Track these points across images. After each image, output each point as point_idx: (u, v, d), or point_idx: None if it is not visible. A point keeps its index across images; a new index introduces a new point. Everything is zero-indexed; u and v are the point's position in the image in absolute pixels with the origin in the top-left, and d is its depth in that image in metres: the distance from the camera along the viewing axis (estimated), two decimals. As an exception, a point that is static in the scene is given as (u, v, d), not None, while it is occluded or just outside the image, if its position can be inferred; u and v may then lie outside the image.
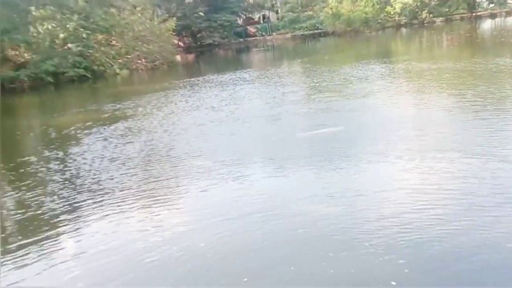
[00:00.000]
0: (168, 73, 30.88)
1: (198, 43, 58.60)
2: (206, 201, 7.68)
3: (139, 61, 34.00)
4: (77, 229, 7.10)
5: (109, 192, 8.47)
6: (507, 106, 11.61)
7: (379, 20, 53.45)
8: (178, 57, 39.91)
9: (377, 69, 21.34)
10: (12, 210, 8.25)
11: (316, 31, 57.61)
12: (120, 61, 32.69)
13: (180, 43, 53.08)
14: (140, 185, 8.75)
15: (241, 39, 60.46)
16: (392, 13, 53.48)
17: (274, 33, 62.01)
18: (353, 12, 52.61)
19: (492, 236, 5.65)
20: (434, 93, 14.35)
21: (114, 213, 7.52)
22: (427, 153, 8.65)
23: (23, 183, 9.59)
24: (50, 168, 10.48)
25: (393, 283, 4.99)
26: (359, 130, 11.16)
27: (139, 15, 35.77)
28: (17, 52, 30.68)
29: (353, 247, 5.72)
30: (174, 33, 40.43)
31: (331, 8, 54.08)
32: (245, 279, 5.28)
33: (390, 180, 7.75)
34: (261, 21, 65.94)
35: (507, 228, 5.79)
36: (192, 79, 25.12)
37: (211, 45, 57.25)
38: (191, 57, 42.71)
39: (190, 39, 58.95)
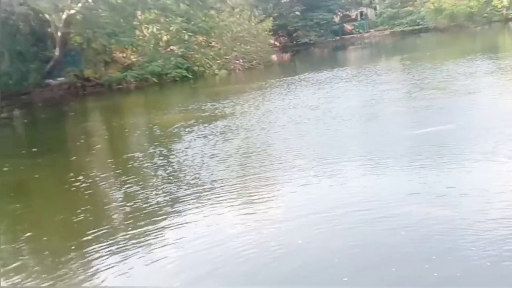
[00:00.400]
0: (265, 73, 31.25)
1: (294, 42, 58.67)
2: (304, 198, 7.66)
3: (237, 62, 34.72)
4: (178, 222, 7.38)
5: (209, 187, 8.72)
6: None
7: (485, 14, 50.28)
8: (274, 57, 40.25)
9: (483, 65, 20.12)
10: (119, 202, 8.76)
11: (416, 27, 55.39)
12: (219, 61, 33.59)
13: (276, 42, 53.46)
14: (238, 181, 8.93)
15: (338, 37, 59.64)
16: (499, 6, 50.10)
17: (371, 30, 60.51)
18: (456, 7, 49.92)
19: None
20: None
21: (213, 207, 7.73)
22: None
23: (130, 177, 10.14)
24: (154, 163, 11.00)
25: (505, 290, 4.67)
26: (464, 129, 10.57)
27: (237, 16, 36.57)
28: (124, 55, 32.61)
29: (458, 249, 5.42)
30: (270, 33, 40.86)
31: (433, 3, 51.71)
32: (345, 279, 5.19)
33: (498, 180, 7.26)
34: (359, 18, 64.59)
35: None
36: (288, 78, 25.21)
37: (307, 43, 57.08)
38: (287, 56, 42.91)
39: (286, 38, 59.19)
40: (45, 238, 7.44)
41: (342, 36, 60.07)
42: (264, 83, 24.05)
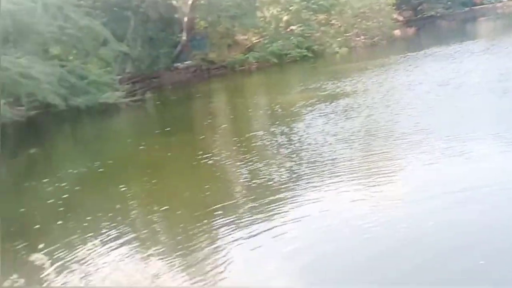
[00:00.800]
0: (388, 49, 30.16)
1: (419, 15, 55.72)
2: (432, 177, 7.36)
3: (358, 39, 33.84)
4: (301, 199, 7.46)
5: (331, 165, 8.71)
6: None
7: None
8: (398, 32, 38.50)
9: None
10: (244, 178, 9.09)
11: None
12: (339, 39, 32.97)
13: (399, 17, 51.15)
14: (362, 160, 8.80)
15: (467, 8, 55.50)
16: None
17: (504, 0, 55.50)
18: None
19: None
20: None
21: (336, 185, 7.71)
22: None
23: (253, 155, 10.47)
24: (276, 142, 11.21)
25: None
26: None
27: (359, -9, 35.56)
28: (246, 37, 33.32)
29: None
30: (393, 7, 39.17)
31: None
32: (481, 262, 4.91)
33: None
34: (491, -13, 59.56)
35: None
36: (413, 53, 24.11)
37: (433, 17, 53.86)
38: (411, 31, 40.82)
39: (410, 12, 56.39)
40: (177, 211, 7.96)
41: (472, 7, 55.80)
42: (387, 60, 23.23)
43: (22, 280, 3.25)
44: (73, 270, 4.19)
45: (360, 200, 6.91)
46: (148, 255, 5.66)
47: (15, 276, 3.33)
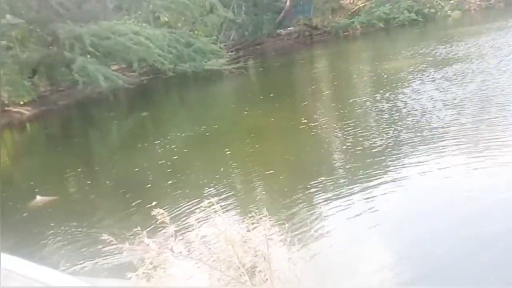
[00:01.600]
0: (506, 11, 27.82)
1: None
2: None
3: (473, 1, 31.55)
4: (399, 166, 7.25)
5: (440, 133, 8.36)
6: None
7: None
8: (519, -7, 35.36)
9: None
10: (345, 144, 9.00)
11: None
12: (452, 1, 30.98)
13: (521, -24, 46.86)
14: (470, 126, 8.33)
15: None
16: None
17: None
18: None
19: None
20: None
21: (441, 153, 7.39)
22: None
23: (356, 121, 10.32)
24: (381, 108, 10.91)
25: None
26: None
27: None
28: (351, 1, 32.37)
29: None
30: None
31: None
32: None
33: None
34: None
35: None
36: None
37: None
38: (535, -9, 37.26)
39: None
40: (279, 176, 8.07)
41: None
42: (505, 23, 21.48)
43: (143, 233, 3.50)
44: (190, 226, 4.42)
45: (472, 171, 6.58)
46: (255, 218, 5.85)
47: (136, 228, 3.60)
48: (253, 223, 3.63)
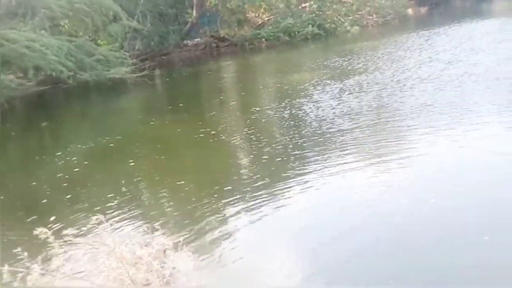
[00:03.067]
0: (400, 28, 29.74)
1: (433, -6, 54.85)
2: (436, 159, 7.27)
3: (370, 17, 33.38)
4: (303, 174, 7.41)
5: (335, 140, 8.69)
6: None
7: None
8: (410, 11, 37.92)
9: None
10: (251, 153, 9.10)
11: None
12: (351, 18, 32.59)
13: (412, -4, 50.43)
14: (366, 139, 8.70)
15: (483, -13, 54.59)
16: None
17: (523, -22, 54.46)
18: None
19: None
20: None
21: (340, 159, 7.67)
22: None
23: (261, 131, 10.52)
24: (284, 118, 11.20)
25: None
26: None
27: (372, -31, 34.93)
28: (256, 14, 32.99)
29: None
30: (407, -14, 38.68)
31: None
32: (486, 237, 4.88)
33: None
34: (508, -35, 58.31)
35: None
36: (426, 32, 23.78)
37: (447, -4, 53.09)
38: (424, 9, 40.13)
39: (424, -9, 55.50)
40: (185, 187, 7.91)
41: (488, -14, 54.85)
42: (399, 39, 22.94)
43: (25, 254, 3.24)
44: (77, 244, 4.18)
45: (366, 180, 6.86)
46: (154, 230, 5.66)
47: (18, 249, 3.32)
48: (151, 237, 3.49)
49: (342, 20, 32.22)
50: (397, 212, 5.74)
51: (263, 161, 8.48)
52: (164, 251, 3.38)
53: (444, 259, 4.69)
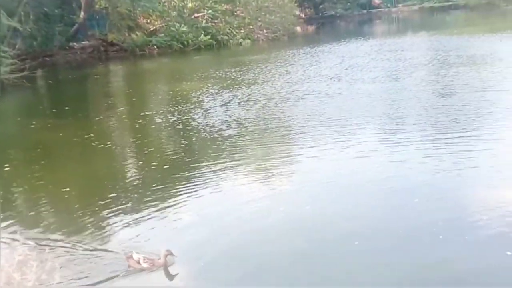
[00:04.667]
0: (289, 44, 31.02)
1: (320, 14, 57.88)
2: (316, 167, 7.67)
3: (261, 32, 34.42)
4: (191, 179, 7.42)
5: (221, 150, 8.84)
6: None
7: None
8: (299, 28, 39.71)
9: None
10: (134, 160, 8.97)
11: (446, 4, 54.26)
12: (243, 31, 33.36)
13: (301, 14, 52.81)
14: (252, 148, 8.93)
15: (365, 11, 58.67)
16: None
17: (400, 5, 59.42)
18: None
19: None
20: None
21: (222, 171, 7.79)
22: None
23: (146, 138, 10.48)
24: (173, 125, 11.19)
25: None
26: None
27: (263, -15, 36.07)
28: (148, 20, 32.52)
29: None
30: (296, 4, 40.41)
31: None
32: (357, 243, 5.22)
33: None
34: (387, -8, 63.26)
35: None
36: (312, 49, 25.01)
37: (332, 16, 56.29)
38: (311, 28, 42.27)
39: (311, 10, 58.38)
40: (65, 194, 7.51)
41: (369, 10, 59.03)
42: (288, 54, 23.90)
43: None
44: None
45: (248, 187, 7.03)
46: (14, 239, 5.39)
47: None
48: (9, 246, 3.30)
49: (235, 32, 32.86)
50: (271, 218, 5.94)
51: (152, 167, 8.38)
52: (28, 262, 3.20)
53: (312, 261, 4.94)
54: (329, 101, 12.15)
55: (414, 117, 9.99)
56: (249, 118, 11.08)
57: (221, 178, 7.44)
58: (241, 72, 18.43)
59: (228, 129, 10.25)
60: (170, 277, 4.90)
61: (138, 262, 4.95)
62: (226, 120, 11.01)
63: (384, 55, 20.06)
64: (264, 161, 8.09)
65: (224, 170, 7.77)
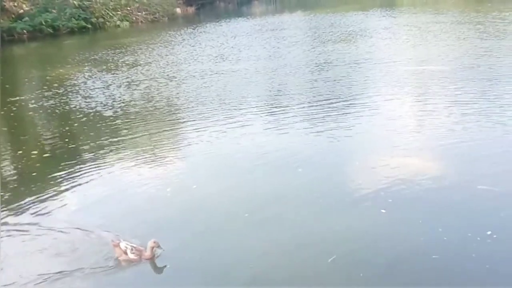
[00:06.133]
0: (169, 25, 30.47)
1: (199, -4, 57.43)
2: (202, 147, 7.60)
3: (139, 13, 33.40)
4: (66, 171, 7.04)
5: (105, 134, 8.51)
6: None
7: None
8: (179, 10, 39.08)
9: (378, 20, 21.07)
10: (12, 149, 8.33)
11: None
12: (120, 13, 32.12)
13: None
14: (137, 131, 8.66)
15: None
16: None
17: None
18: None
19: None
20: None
21: (105, 157, 7.52)
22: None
23: (20, 122, 9.75)
24: (49, 110, 10.58)
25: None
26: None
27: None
28: (15, 3, 30.07)
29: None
30: (174, -15, 39.75)
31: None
32: (246, 214, 5.29)
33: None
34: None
35: None
36: (193, 30, 24.81)
37: (212, -2, 56.16)
38: (191, 9, 41.77)
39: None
40: None
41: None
42: (169, 35, 23.47)
43: None
44: None
45: (131, 170, 6.84)
46: None
47: None
48: None
49: (111, 14, 31.54)
50: (158, 200, 5.85)
51: (32, 156, 7.82)
52: None
53: (196, 234, 4.93)
54: (214, 80, 12.14)
55: (296, 92, 10.33)
56: (133, 100, 10.75)
57: (106, 163, 7.15)
58: (121, 55, 17.79)
59: (110, 112, 9.88)
60: (158, 270, 4.55)
61: (125, 252, 4.56)
62: (109, 103, 10.59)
63: (265, 34, 20.45)
64: (150, 143, 7.88)
65: (109, 154, 7.49)
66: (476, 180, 5.60)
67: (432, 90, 9.61)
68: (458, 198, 5.28)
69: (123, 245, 4.59)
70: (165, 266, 4.54)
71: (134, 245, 4.62)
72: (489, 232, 4.52)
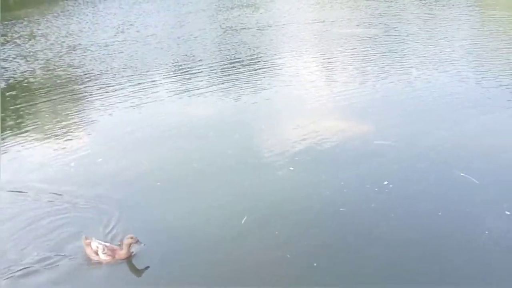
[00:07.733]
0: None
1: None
2: (109, 119, 7.46)
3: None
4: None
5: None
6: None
7: None
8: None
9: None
10: None
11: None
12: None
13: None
14: (35, 105, 8.28)
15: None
16: None
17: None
18: None
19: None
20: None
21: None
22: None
23: None
24: None
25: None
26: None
27: None
28: None
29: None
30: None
31: None
32: (158, 183, 5.34)
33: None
34: None
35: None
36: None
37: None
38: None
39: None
40: None
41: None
42: (67, 5, 22.03)
43: None
44: None
45: (34, 145, 6.66)
46: None
47: None
48: None
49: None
50: (62, 172, 5.76)
51: None
52: None
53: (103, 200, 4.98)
54: (121, 49, 11.73)
55: (204, 58, 10.32)
56: (33, 71, 10.13)
57: (6, 137, 6.83)
58: (18, 27, 16.48)
59: (4, 85, 9.34)
60: (136, 272, 4.11)
61: (96, 253, 4.11)
62: (5, 76, 9.92)
63: (167, 2, 19.83)
64: (54, 116, 7.59)
65: (8, 129, 7.14)
66: (373, 136, 6.04)
67: (336, 50, 10.03)
68: (357, 153, 5.68)
69: (94, 244, 4.15)
70: (147, 267, 4.10)
71: (107, 244, 4.18)
72: (385, 182, 4.92)
